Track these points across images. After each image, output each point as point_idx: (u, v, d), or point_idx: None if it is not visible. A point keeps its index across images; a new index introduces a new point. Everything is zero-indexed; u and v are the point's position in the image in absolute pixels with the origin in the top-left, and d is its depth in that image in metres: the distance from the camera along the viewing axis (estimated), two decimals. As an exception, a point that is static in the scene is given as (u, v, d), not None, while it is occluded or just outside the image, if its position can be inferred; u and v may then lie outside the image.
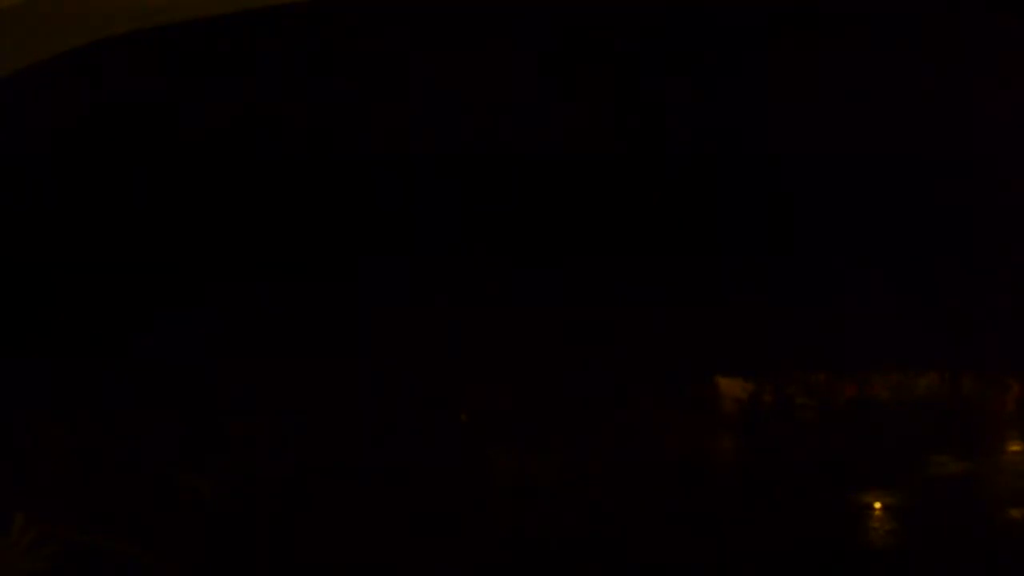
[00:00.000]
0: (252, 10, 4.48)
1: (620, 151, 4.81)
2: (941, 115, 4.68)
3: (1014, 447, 4.85)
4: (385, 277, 4.82)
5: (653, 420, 4.85)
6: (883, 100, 4.72)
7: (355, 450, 4.77)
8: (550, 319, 4.81)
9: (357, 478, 4.70)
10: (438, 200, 4.85)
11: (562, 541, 4.64)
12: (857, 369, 4.90)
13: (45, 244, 4.87)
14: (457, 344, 4.82)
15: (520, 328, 4.79)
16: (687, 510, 4.68)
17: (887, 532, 4.63)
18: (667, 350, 4.83)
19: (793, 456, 4.83)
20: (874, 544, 4.63)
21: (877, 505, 4.67)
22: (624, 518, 4.66)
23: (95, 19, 4.41)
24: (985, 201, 4.75)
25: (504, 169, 4.80)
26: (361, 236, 4.87)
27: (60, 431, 4.76)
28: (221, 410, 4.82)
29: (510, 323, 4.78)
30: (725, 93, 4.76)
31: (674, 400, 4.90)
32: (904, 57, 4.67)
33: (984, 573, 4.48)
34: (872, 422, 4.89)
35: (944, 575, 4.50)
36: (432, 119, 4.82)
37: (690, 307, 4.81)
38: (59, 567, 4.26)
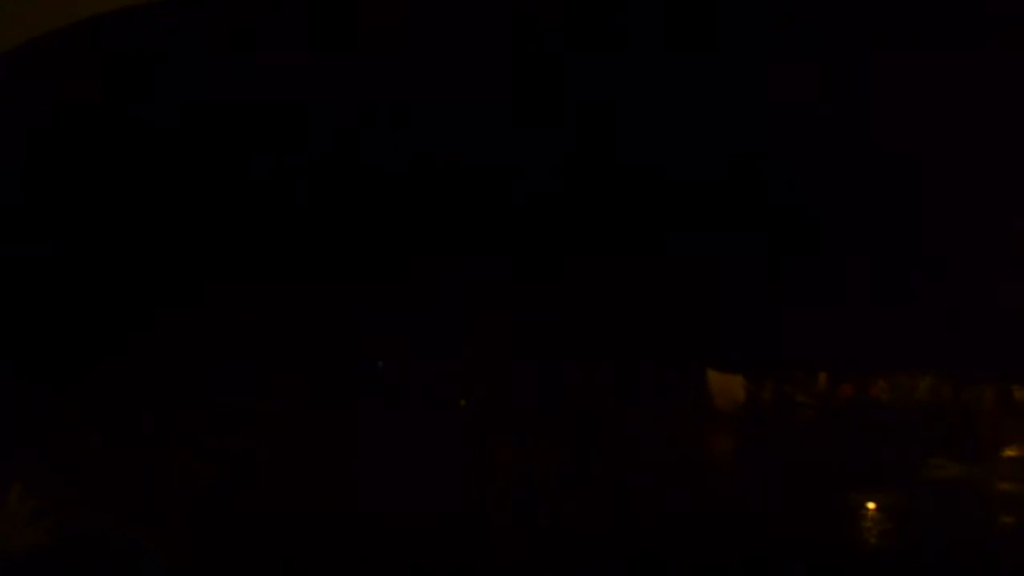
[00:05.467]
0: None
1: (619, 151, 4.82)
2: (941, 115, 4.69)
3: (1011, 452, 4.85)
4: (385, 277, 4.84)
5: (652, 418, 4.86)
6: (883, 100, 4.73)
7: (356, 448, 4.77)
8: (549, 319, 4.81)
9: (357, 476, 4.70)
10: (438, 202, 4.86)
11: (562, 538, 4.64)
12: (856, 370, 4.90)
13: (46, 244, 4.88)
14: (457, 343, 4.83)
15: (520, 328, 4.80)
16: (684, 506, 4.68)
17: (882, 533, 4.62)
18: (667, 349, 4.84)
19: (790, 456, 4.84)
20: (869, 544, 4.62)
21: (872, 505, 4.67)
22: (623, 514, 4.66)
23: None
24: (985, 201, 4.76)
25: (505, 171, 4.82)
26: (361, 237, 4.88)
27: (60, 422, 4.77)
28: (220, 408, 4.83)
29: (510, 323, 4.79)
30: (727, 95, 4.77)
31: (673, 398, 4.91)
32: (904, 57, 4.68)
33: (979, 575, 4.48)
34: (870, 423, 4.90)
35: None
36: (433, 125, 4.83)
37: (690, 307, 4.82)
38: (60, 542, 4.25)
